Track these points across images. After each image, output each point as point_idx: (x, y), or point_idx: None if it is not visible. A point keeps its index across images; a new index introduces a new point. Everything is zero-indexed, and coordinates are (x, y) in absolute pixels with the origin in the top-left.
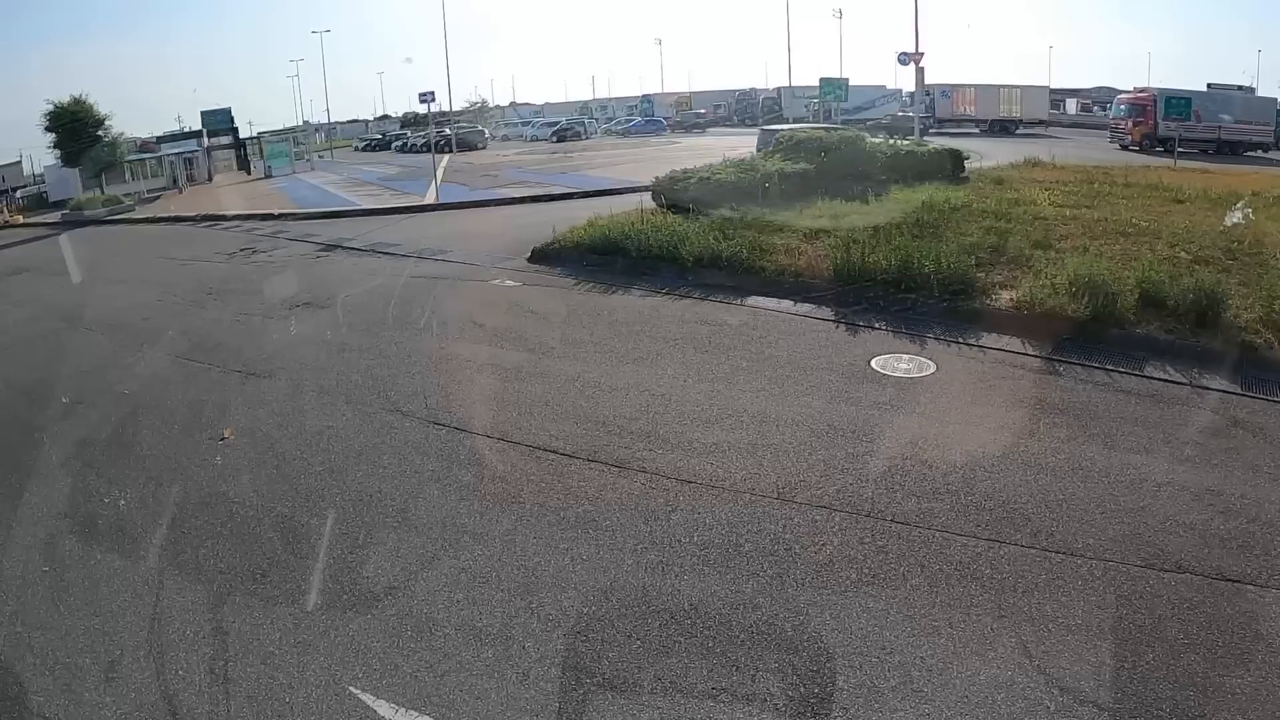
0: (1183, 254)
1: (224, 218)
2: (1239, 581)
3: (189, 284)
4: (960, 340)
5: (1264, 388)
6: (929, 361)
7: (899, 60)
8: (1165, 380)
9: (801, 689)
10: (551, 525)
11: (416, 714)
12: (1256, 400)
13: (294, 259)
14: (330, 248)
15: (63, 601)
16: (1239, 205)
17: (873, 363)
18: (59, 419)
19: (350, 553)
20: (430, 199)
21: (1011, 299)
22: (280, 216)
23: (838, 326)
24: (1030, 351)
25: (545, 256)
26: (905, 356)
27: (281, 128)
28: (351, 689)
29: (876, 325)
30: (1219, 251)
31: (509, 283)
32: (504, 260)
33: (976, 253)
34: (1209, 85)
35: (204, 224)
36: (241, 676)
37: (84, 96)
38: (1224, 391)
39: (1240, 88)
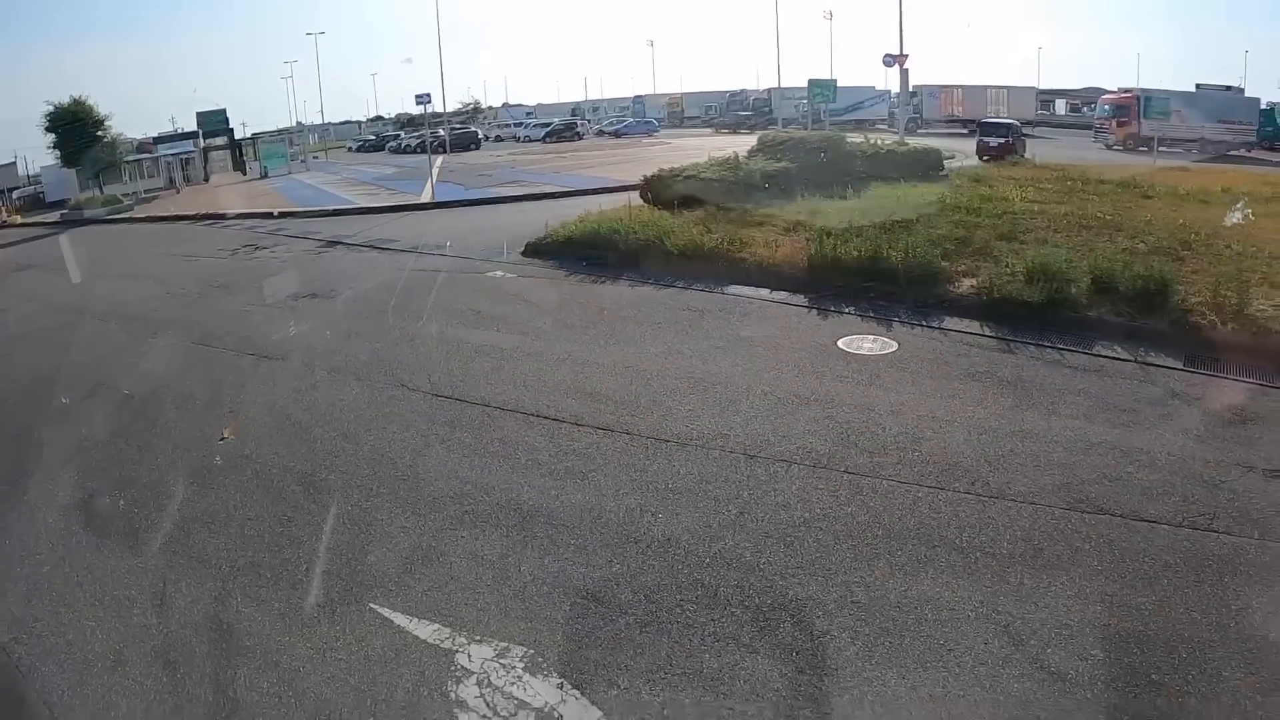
0: (1141, 245)
1: (224, 217)
2: (1155, 522)
3: (195, 279)
4: (923, 323)
5: (1205, 364)
6: (891, 341)
7: (884, 62)
8: (1112, 358)
9: (757, 600)
10: (544, 476)
11: (428, 622)
12: (1196, 375)
13: (296, 255)
14: (331, 244)
15: (105, 546)
16: (1239, 205)
17: (839, 342)
18: (85, 397)
19: (366, 500)
20: (426, 198)
21: (973, 285)
22: (280, 215)
23: (810, 311)
24: (988, 333)
25: (539, 251)
26: (870, 337)
27: (275, 129)
28: (372, 605)
29: (846, 310)
30: (1176, 243)
31: (504, 274)
32: (499, 254)
33: (944, 244)
34: (1198, 86)
35: (204, 223)
36: (273, 599)
37: (84, 98)
38: (1166, 367)
39: (1229, 88)
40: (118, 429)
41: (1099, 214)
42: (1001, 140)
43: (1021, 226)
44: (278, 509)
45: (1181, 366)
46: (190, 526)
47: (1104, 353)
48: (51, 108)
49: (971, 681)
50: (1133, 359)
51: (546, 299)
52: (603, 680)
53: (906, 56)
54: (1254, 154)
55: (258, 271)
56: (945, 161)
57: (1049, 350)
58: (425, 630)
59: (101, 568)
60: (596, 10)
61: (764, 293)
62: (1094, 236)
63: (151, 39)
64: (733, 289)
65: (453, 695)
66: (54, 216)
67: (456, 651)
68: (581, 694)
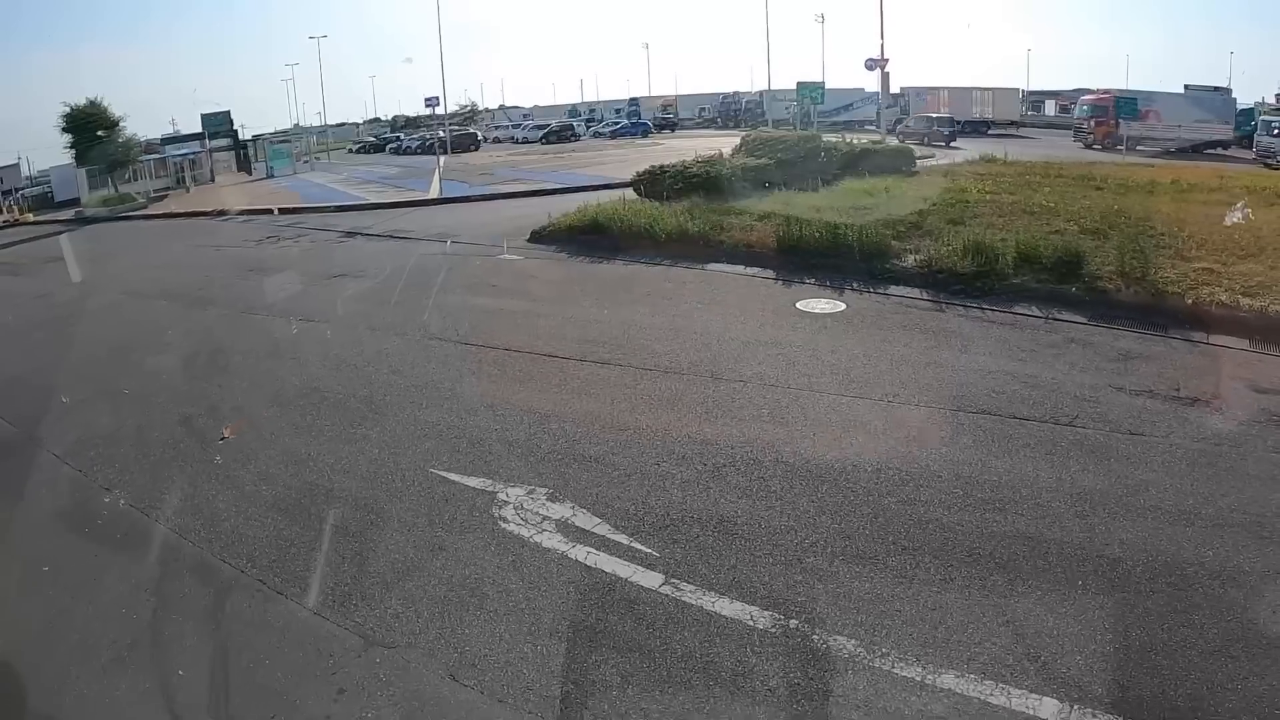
0: (1074, 226)
1: (240, 212)
2: (1025, 419)
3: (228, 265)
4: (871, 290)
5: (1106, 320)
6: (841, 303)
7: (866, 66)
8: (1026, 315)
9: (713, 460)
10: (556, 391)
11: (475, 477)
12: (1095, 327)
13: (319, 244)
14: (349, 235)
15: (208, 452)
16: (1239, 205)
17: (797, 304)
18: (156, 354)
19: (419, 411)
20: (434, 194)
21: (916, 259)
22: (295, 211)
23: (776, 282)
24: (925, 297)
25: (542, 237)
26: (824, 300)
27: (274, 130)
28: (431, 470)
29: (807, 281)
30: (1105, 225)
31: (513, 257)
32: (507, 241)
33: (896, 227)
34: (1186, 86)
35: (221, 218)
36: (354, 469)
37: (99, 99)
38: (1072, 322)
39: (1217, 89)
40: (196, 373)
41: (1044, 202)
42: (952, 129)
43: (970, 213)
44: (347, 418)
45: (1085, 322)
46: (278, 430)
47: (1021, 311)
48: (68, 109)
49: (863, 501)
50: (1044, 316)
51: (551, 275)
52: (601, 504)
53: (887, 60)
54: (1231, 151)
55: (285, 258)
56: (918, 160)
57: (974, 310)
58: (474, 481)
59: (206, 460)
60: (593, 13)
61: (739, 268)
62: (1034, 220)
63: (151, 42)
64: (712, 266)
65: (496, 514)
66: (66, 215)
67: (497, 492)
68: (586, 510)
